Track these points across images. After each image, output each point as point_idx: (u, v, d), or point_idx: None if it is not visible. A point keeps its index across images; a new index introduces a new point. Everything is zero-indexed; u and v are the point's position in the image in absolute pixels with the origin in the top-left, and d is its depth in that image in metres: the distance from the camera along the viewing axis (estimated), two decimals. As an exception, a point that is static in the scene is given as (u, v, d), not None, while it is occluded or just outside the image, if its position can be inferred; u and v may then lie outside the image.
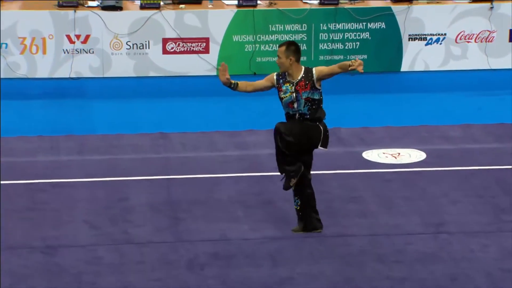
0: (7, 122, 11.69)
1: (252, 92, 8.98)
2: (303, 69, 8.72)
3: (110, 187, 9.98)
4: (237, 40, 13.57)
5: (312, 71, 8.69)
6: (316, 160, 10.05)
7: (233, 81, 8.85)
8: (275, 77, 8.83)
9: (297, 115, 8.78)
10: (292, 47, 8.68)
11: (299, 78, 8.70)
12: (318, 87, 8.72)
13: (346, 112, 12.36)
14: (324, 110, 8.86)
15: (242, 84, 8.92)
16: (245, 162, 10.67)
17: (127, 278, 8.29)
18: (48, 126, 11.63)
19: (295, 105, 8.73)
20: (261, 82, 8.93)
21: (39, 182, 9.98)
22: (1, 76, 13.08)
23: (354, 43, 13.84)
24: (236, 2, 13.56)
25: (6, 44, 13.08)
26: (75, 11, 13.16)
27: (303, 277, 8.27)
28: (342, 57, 13.78)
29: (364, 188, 10.03)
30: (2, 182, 9.93)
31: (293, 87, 8.69)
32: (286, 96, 8.73)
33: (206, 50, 13.52)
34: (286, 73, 8.75)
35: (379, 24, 13.84)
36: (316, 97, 8.73)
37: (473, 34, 14.00)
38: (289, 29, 13.65)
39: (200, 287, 8.17)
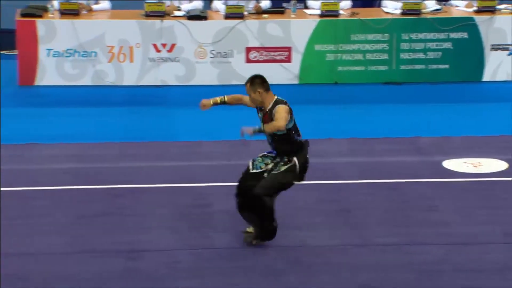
0: (93, 128, 11.81)
1: (238, 104, 8.90)
2: (274, 100, 8.59)
3: (191, 193, 9.98)
4: (319, 49, 13.49)
5: (274, 109, 8.51)
6: (395, 168, 9.96)
7: (218, 100, 8.83)
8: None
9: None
10: (257, 80, 8.62)
11: (267, 109, 8.59)
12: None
13: (426, 121, 12.19)
14: (299, 140, 8.66)
15: (230, 98, 8.92)
16: (322, 170, 10.58)
17: (207, 282, 8.28)
18: (133, 132, 11.70)
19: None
20: (247, 100, 8.84)
21: (120, 187, 10.03)
22: (90, 84, 13.22)
23: (435, 53, 13.65)
24: (318, 12, 13.49)
25: (96, 52, 13.22)
26: (161, 21, 13.24)
27: (381, 285, 8.15)
28: (423, 66, 13.60)
29: (443, 197, 9.86)
30: (86, 187, 10.02)
31: (262, 116, 8.66)
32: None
33: (288, 59, 13.47)
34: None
35: (461, 34, 13.63)
36: (279, 132, 8.55)
37: (557, 44, 13.72)
38: (370, 38, 13.53)
39: (275, 292, 8.14)
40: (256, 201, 8.62)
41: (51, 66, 13.15)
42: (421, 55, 13.64)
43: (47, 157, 10.84)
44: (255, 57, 13.46)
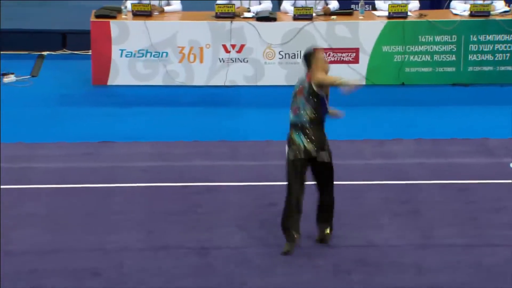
0: (164, 127, 11.92)
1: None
2: None
3: (260, 192, 10.05)
4: (386, 50, 13.46)
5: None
6: (464, 169, 9.89)
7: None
8: None
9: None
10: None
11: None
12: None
13: (495, 123, 12.10)
14: None
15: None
16: (390, 170, 10.57)
17: (276, 280, 8.34)
18: (203, 132, 11.80)
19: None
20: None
21: (194, 185, 10.13)
22: (161, 84, 13.33)
23: (504, 55, 13.54)
24: (386, 14, 13.46)
25: (167, 53, 13.34)
26: (231, 22, 13.32)
27: (447, 285, 8.13)
28: (491, 68, 13.49)
29: (511, 199, 9.79)
30: (160, 184, 10.13)
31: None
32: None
33: (355, 60, 13.47)
34: None
35: (530, 35, 13.52)
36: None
37: None
38: (438, 40, 13.46)
39: (345, 292, 8.16)
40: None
41: (124, 66, 13.30)
42: (489, 57, 13.54)
43: (120, 155, 10.97)
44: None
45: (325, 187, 8.78)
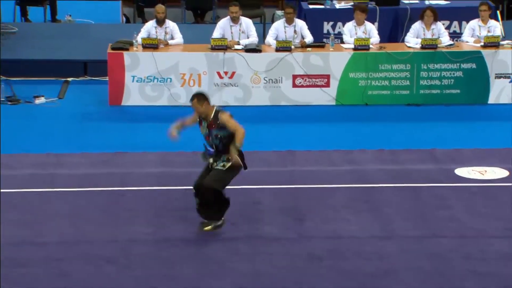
0: (168, 140, 11.86)
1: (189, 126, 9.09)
2: (214, 110, 8.82)
3: (247, 193, 10.03)
4: (352, 76, 13.47)
5: (218, 117, 8.72)
6: (416, 175, 9.88)
7: (179, 126, 9.06)
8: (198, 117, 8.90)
9: (213, 146, 8.81)
10: (202, 96, 8.86)
11: (211, 118, 8.76)
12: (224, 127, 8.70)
13: (441, 136, 12.11)
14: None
15: (181, 124, 9.13)
16: (355, 175, 10.57)
17: (257, 266, 8.32)
18: (200, 143, 11.74)
19: (210, 138, 8.79)
20: (192, 119, 9.06)
21: (189, 188, 10.09)
22: (166, 104, 13.29)
23: (449, 80, 13.57)
24: (352, 46, 13.49)
25: (171, 78, 13.32)
26: (224, 53, 13.32)
27: (404, 270, 8.13)
28: (439, 91, 13.51)
29: (454, 198, 9.81)
30: (165, 187, 10.10)
31: (206, 125, 8.80)
32: (203, 131, 8.83)
33: (327, 85, 13.47)
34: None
35: (471, 64, 13.53)
36: (224, 134, 8.72)
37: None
38: (395, 67, 13.47)
39: (318, 275, 8.13)
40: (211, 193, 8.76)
41: (135, 89, 13.27)
42: (437, 82, 13.56)
43: (132, 163, 10.92)
44: (300, 82, 13.48)
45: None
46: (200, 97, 8.88)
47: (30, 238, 8.78)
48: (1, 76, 13.49)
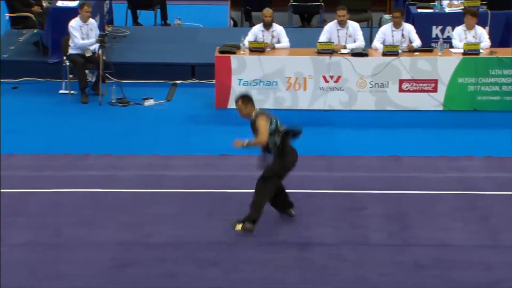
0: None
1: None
2: (255, 111, 8.94)
3: (351, 198, 9.99)
4: (461, 81, 13.23)
5: (257, 119, 8.83)
6: None
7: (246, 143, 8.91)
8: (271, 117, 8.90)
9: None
10: (246, 98, 8.94)
11: (253, 119, 8.91)
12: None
13: None
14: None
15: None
16: (462, 182, 10.38)
17: (363, 272, 8.27)
18: (306, 147, 11.75)
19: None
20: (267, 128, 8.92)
21: (296, 192, 10.13)
22: (271, 107, 13.36)
23: (563, 85, 13.18)
24: (462, 51, 13.24)
25: (277, 82, 13.38)
26: (330, 57, 13.30)
27: None
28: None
29: None
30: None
31: (250, 126, 8.94)
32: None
33: (434, 89, 13.28)
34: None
35: None
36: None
37: None
38: (506, 73, 13.16)
39: (424, 284, 8.02)
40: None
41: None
42: (550, 87, 13.19)
43: (236, 166, 11.02)
44: (407, 87, 13.33)
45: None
46: (245, 99, 8.98)
47: (138, 238, 8.98)
48: (112, 79, 13.86)
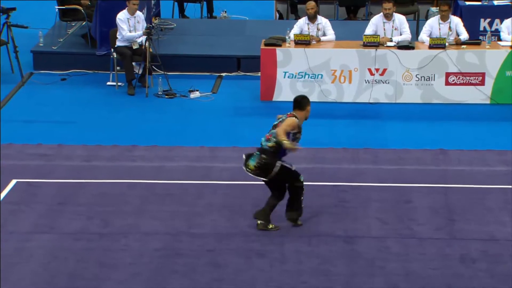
0: (320, 136, 11.92)
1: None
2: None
3: (398, 191, 9.95)
4: (509, 75, 13.07)
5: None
6: None
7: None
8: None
9: None
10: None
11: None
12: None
13: None
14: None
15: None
16: (510, 175, 10.26)
17: (410, 266, 8.24)
18: (351, 140, 11.77)
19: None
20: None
21: (342, 185, 10.13)
22: (316, 100, 13.34)
23: None
24: (510, 44, 13.07)
25: (322, 75, 13.35)
26: (376, 50, 13.23)
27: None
28: None
29: None
30: (313, 183, 10.13)
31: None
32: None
33: (482, 83, 13.14)
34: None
35: None
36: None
37: None
38: (554, 66, 12.99)
39: (471, 278, 7.96)
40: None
41: (286, 85, 13.39)
42: None
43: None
44: (453, 80, 13.21)
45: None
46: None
47: (185, 228, 9.05)
48: (158, 71, 13.95)
